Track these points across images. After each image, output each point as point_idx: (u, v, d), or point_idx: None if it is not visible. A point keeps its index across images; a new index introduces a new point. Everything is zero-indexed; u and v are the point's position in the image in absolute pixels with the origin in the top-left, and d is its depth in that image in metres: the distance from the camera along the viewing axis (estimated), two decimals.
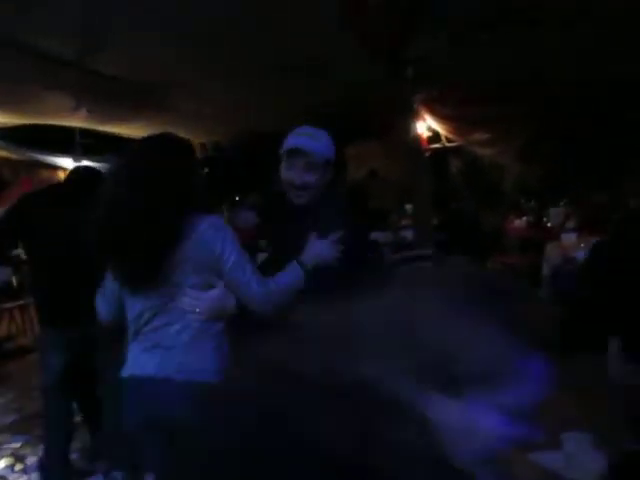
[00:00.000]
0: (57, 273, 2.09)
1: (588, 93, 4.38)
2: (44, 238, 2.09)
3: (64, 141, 6.02)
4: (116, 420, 2.17)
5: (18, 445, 2.74)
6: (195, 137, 7.30)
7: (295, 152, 1.49)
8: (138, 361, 1.36)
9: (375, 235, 4.24)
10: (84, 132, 6.04)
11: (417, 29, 3.92)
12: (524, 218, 5.51)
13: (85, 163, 5.68)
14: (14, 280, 4.91)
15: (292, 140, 1.52)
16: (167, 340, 1.32)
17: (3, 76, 3.88)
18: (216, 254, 1.31)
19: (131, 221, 1.28)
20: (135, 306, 1.36)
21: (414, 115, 4.67)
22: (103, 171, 2.55)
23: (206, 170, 6.20)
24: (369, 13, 3.54)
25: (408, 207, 6.37)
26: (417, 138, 4.52)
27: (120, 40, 3.55)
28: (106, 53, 3.75)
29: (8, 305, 4.66)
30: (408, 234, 4.90)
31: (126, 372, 1.38)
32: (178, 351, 1.31)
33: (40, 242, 2.12)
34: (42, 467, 2.26)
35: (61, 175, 6.06)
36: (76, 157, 5.93)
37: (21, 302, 4.72)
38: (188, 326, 1.32)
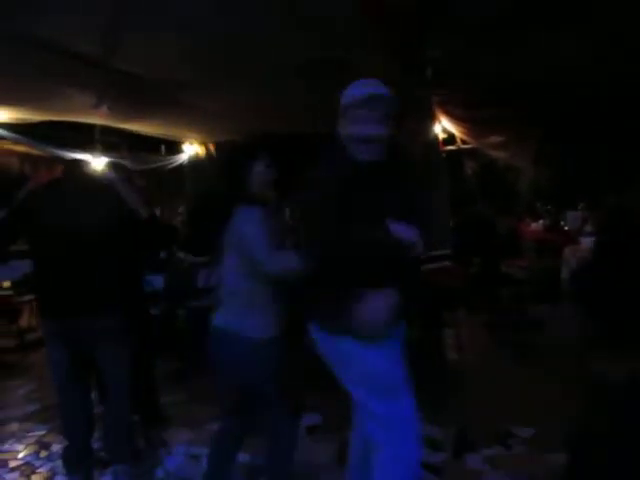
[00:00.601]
0: (57, 267, 2.07)
1: (598, 94, 4.35)
2: (45, 232, 2.08)
3: (84, 138, 6.11)
4: (119, 416, 2.20)
5: (42, 433, 2.80)
6: (211, 136, 7.38)
7: (377, 98, 1.45)
8: (216, 315, 1.86)
9: None
10: (104, 130, 6.13)
11: (436, 29, 3.93)
12: (540, 221, 5.49)
13: (104, 159, 5.78)
14: None
15: (367, 89, 1.48)
16: (224, 303, 1.82)
17: (26, 73, 3.96)
18: (244, 238, 1.71)
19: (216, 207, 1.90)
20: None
21: (432, 116, 4.67)
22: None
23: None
24: (389, 12, 3.56)
25: None
26: (435, 138, 4.52)
27: (140, 39, 3.61)
28: (127, 51, 3.80)
29: (29, 297, 4.74)
30: None
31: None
32: (230, 311, 1.80)
33: (41, 236, 2.10)
34: (65, 458, 2.27)
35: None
36: (95, 153, 6.02)
37: None
38: (236, 295, 1.79)
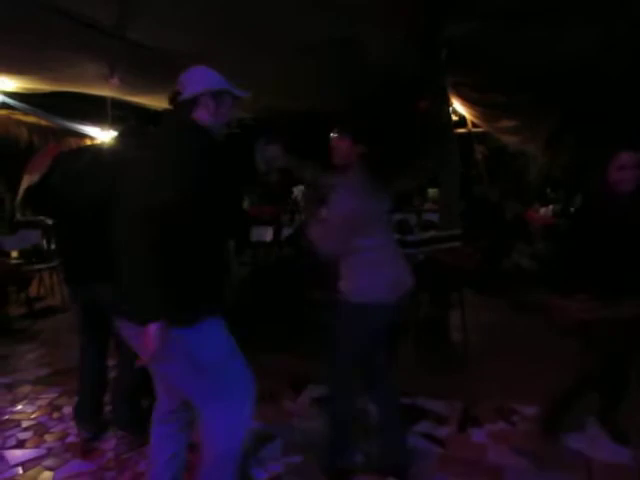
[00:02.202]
0: (71, 234, 2.16)
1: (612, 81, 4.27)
2: (71, 197, 2.13)
3: (94, 111, 6.08)
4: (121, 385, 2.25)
5: (54, 396, 2.85)
6: None
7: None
8: None
9: (402, 216, 4.28)
10: (114, 104, 6.09)
11: (451, 11, 3.87)
12: (550, 206, 5.47)
13: (113, 132, 5.75)
14: (44, 243, 5.02)
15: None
16: None
17: (38, 42, 3.92)
18: None
19: None
20: None
21: (446, 98, 4.62)
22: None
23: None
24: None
25: (431, 191, 6.35)
26: (449, 119, 4.48)
27: (154, 10, 3.56)
28: (141, 22, 3.75)
29: (38, 267, 4.79)
30: (432, 217, 4.90)
31: None
32: None
33: (67, 201, 2.16)
34: (76, 412, 2.34)
35: (88, 143, 6.14)
36: (104, 127, 5.99)
37: (50, 264, 4.85)
38: None
